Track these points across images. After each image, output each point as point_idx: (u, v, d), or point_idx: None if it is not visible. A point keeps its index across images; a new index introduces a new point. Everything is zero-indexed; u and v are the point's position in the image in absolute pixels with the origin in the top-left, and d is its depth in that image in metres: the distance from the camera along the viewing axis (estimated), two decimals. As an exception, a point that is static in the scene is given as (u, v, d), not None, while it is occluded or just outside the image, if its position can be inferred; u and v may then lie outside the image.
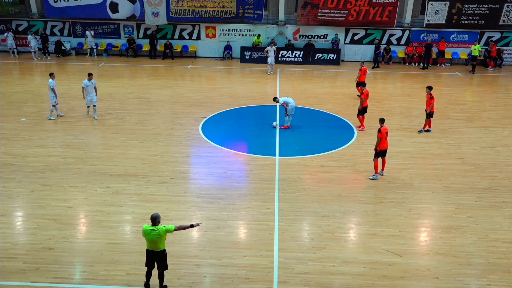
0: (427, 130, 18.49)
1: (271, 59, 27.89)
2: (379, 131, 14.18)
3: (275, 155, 16.11)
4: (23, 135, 17.48)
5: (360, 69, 23.09)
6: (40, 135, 17.57)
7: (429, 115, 18.35)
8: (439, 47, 30.73)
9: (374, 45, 30.47)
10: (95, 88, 19.11)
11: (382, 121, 14.34)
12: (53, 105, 19.24)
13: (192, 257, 10.62)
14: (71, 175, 14.41)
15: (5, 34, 31.05)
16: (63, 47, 31.56)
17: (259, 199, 13.17)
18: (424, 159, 15.97)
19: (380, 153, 14.32)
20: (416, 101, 22.54)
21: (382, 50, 30.95)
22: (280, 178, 14.39)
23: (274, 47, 28.23)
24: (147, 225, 9.19)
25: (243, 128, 18.55)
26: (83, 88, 18.94)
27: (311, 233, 11.76)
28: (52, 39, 31.91)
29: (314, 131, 18.57)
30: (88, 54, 31.79)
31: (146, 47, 32.15)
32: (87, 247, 10.96)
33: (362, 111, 18.61)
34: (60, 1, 30.92)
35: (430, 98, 18.15)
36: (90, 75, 19.08)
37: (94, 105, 19.21)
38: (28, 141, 16.96)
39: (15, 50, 31.20)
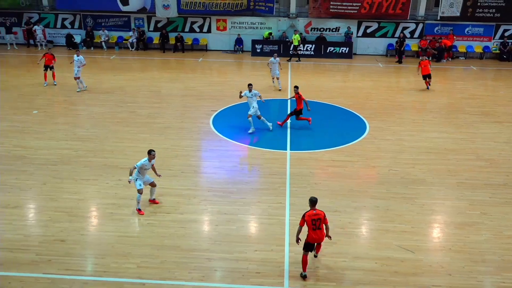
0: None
1: (273, 72, 23.17)
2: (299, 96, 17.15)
3: (286, 149, 16.02)
4: (35, 128, 17.55)
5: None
6: (51, 127, 17.63)
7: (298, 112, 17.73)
8: (447, 40, 30.16)
9: (398, 39, 29.99)
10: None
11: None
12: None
13: (203, 251, 10.60)
14: (83, 168, 14.45)
15: (34, 27, 31.17)
16: (73, 40, 31.63)
17: (270, 193, 13.11)
18: (438, 154, 15.78)
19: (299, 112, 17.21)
20: (429, 95, 22.27)
21: (397, 44, 30.28)
22: (291, 173, 14.31)
23: (278, 58, 23.05)
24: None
25: (254, 122, 18.42)
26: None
27: (322, 228, 11.66)
28: (63, 32, 32.03)
29: (326, 125, 18.43)
30: (105, 47, 31.77)
31: (156, 40, 32.12)
32: (99, 240, 10.99)
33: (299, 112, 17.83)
34: (71, -6, 30.98)
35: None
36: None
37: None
38: (39, 133, 17.03)
39: (43, 43, 31.32)
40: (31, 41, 31.76)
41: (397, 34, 30.76)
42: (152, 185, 12.23)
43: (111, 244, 10.76)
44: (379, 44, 31.46)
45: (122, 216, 11.88)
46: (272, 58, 23.02)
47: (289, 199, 12.74)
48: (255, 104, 17.33)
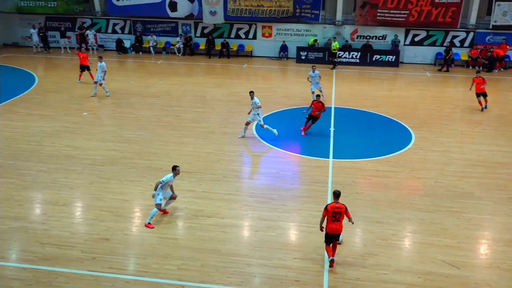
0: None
1: (315, 85, 21.69)
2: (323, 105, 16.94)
3: (329, 157, 15.88)
4: (85, 129, 18.16)
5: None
6: (100, 129, 18.20)
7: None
8: (499, 49, 29.03)
9: (445, 47, 29.32)
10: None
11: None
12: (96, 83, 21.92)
13: (242, 256, 10.64)
14: (128, 169, 14.83)
15: (86, 32, 32.41)
16: (123, 44, 32.59)
17: (311, 201, 13.01)
18: (487, 168, 15.21)
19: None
20: (479, 107, 21.50)
21: (445, 52, 29.46)
22: (333, 181, 14.16)
23: (317, 71, 21.57)
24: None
25: (297, 129, 18.37)
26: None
27: (363, 238, 11.48)
28: (113, 36, 33.11)
29: (370, 134, 18.15)
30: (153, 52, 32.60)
31: (202, 45, 32.63)
32: (141, 240, 11.22)
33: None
34: (122, 0, 31.97)
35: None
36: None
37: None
38: (89, 134, 17.61)
39: (94, 47, 32.53)
40: (83, 45, 32.96)
41: (446, 43, 29.94)
42: (173, 197, 12.25)
43: (153, 245, 10.97)
44: (427, 52, 30.75)
45: (164, 218, 12.09)
46: (311, 72, 21.64)
47: (331, 208, 12.59)
48: (254, 112, 17.24)
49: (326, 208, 10.09)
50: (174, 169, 11.97)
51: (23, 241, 11.09)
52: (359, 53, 30.39)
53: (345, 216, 10.12)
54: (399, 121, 19.52)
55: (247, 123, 17.47)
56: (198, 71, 28.76)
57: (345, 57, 30.33)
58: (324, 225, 10.19)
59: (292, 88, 24.68)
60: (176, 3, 31.61)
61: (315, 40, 31.22)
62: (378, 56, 30.24)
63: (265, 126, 17.15)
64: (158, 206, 11.78)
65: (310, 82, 21.93)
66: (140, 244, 11.08)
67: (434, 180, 14.32)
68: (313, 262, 10.43)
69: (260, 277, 10.04)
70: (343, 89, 24.65)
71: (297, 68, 29.81)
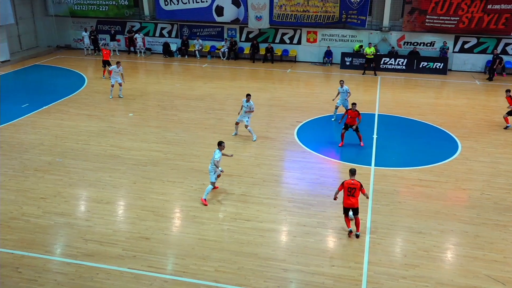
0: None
1: (341, 101, 19.76)
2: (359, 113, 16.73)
3: (370, 165, 15.62)
4: (130, 130, 18.65)
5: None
6: (144, 130, 18.63)
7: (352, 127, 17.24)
8: None
9: (492, 56, 28.26)
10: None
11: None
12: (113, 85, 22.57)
13: (279, 261, 10.61)
14: (170, 170, 15.10)
15: (135, 35, 33.33)
16: (169, 48, 33.25)
17: (351, 208, 12.82)
18: (538, 181, 14.57)
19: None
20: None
21: (492, 61, 28.37)
22: (374, 189, 13.92)
23: (346, 87, 19.62)
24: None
25: (338, 135, 18.18)
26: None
27: (404, 249, 11.21)
28: (160, 40, 33.84)
29: (414, 143, 17.73)
30: (198, 56, 33.13)
31: (247, 50, 32.86)
32: (180, 241, 11.40)
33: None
34: (171, 4, 32.69)
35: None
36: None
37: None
38: (133, 135, 18.06)
39: (142, 50, 33.42)
40: (132, 48, 33.88)
41: (499, 51, 28.83)
42: (218, 175, 13.28)
43: (192, 246, 11.11)
44: (478, 60, 29.70)
45: (204, 220, 12.23)
46: (339, 87, 19.75)
47: (370, 216, 12.40)
48: (246, 115, 17.63)
49: (342, 183, 11.33)
50: (220, 144, 13.12)
51: (68, 237, 11.50)
52: (406, 59, 29.73)
53: (360, 193, 11.24)
54: (445, 130, 18.97)
55: (237, 123, 18.02)
56: (242, 75, 28.96)
57: (390, 64, 29.77)
58: (341, 199, 11.54)
59: (334, 94, 24.37)
60: (222, 8, 32.00)
61: (361, 46, 30.82)
62: (425, 63, 29.48)
63: (248, 127, 17.66)
64: (213, 183, 13.12)
65: (333, 99, 20.57)
66: (179, 244, 11.26)
67: (480, 192, 13.83)
68: (351, 270, 10.29)
69: (297, 282, 9.99)
70: (388, 96, 24.21)
71: (341, 74, 29.49)
